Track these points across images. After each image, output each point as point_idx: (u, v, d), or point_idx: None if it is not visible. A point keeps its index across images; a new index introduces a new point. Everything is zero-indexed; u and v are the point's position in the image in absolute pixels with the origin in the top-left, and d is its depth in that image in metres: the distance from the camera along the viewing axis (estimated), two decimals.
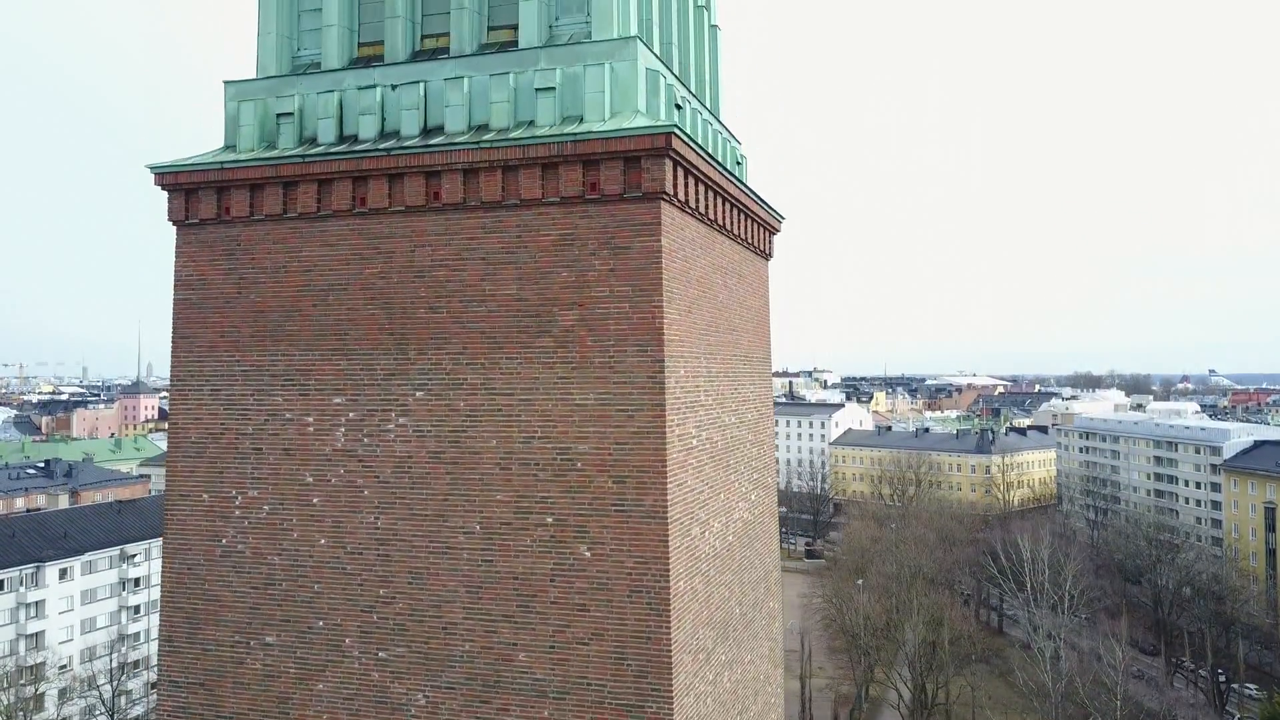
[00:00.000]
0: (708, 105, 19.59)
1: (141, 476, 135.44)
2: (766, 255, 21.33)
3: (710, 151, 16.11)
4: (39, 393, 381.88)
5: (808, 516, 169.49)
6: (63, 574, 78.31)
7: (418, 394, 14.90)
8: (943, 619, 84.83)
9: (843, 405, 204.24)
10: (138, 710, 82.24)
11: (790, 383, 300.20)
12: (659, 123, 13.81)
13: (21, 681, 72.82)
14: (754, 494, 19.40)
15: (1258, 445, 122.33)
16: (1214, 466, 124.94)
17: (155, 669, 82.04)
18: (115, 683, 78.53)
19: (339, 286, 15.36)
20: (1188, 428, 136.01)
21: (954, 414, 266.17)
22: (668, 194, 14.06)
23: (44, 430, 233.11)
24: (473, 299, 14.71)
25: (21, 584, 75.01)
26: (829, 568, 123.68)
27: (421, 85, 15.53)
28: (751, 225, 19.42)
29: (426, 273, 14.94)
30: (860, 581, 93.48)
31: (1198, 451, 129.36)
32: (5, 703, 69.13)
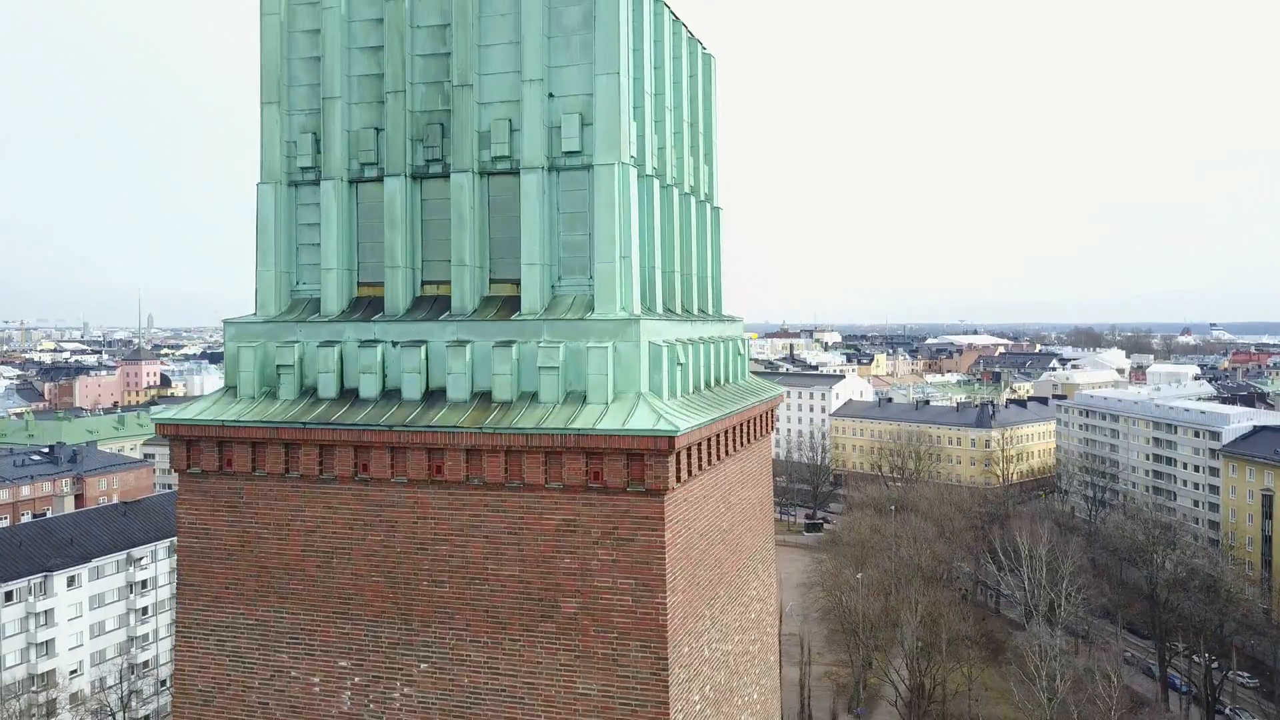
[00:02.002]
0: (710, 308, 19.40)
1: (146, 458, 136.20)
2: (768, 431, 21.27)
3: (713, 414, 15.97)
4: (40, 349, 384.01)
5: (807, 488, 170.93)
6: (70, 581, 79.25)
7: (422, 665, 15.00)
8: (940, 617, 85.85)
9: (843, 377, 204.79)
10: (149, 709, 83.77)
11: (791, 345, 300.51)
12: (660, 427, 13.70)
13: (33, 689, 74.05)
14: (755, 690, 19.58)
15: (1257, 430, 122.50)
16: (1213, 451, 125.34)
17: (165, 668, 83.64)
18: (126, 683, 79.87)
19: (342, 550, 15.38)
20: (1187, 410, 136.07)
21: (954, 378, 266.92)
22: (671, 488, 14.03)
23: (46, 397, 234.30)
24: (476, 576, 14.74)
25: (30, 594, 75.89)
26: (829, 541, 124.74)
27: (423, 348, 15.38)
28: (752, 427, 19.34)
29: (429, 546, 14.96)
30: (860, 575, 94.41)
31: (1197, 435, 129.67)
32: (18, 710, 70.36)
